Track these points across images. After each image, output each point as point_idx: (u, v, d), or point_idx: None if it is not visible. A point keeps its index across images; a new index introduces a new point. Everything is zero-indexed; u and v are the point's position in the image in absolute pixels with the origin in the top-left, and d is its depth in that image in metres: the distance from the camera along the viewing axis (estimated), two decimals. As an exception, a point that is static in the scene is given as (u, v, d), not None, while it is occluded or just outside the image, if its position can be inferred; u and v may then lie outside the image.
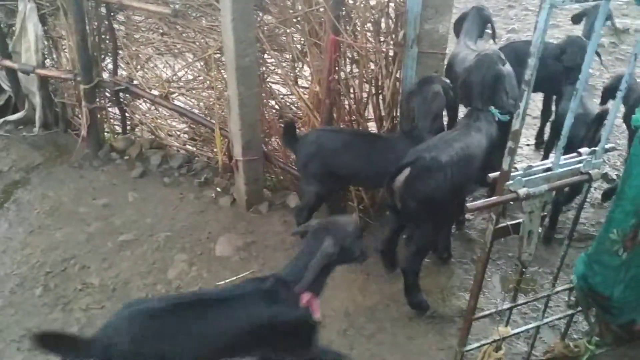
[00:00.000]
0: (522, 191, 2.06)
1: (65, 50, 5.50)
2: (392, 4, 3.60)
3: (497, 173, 2.09)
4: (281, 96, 4.55)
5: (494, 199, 2.08)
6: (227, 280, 3.74)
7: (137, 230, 4.31)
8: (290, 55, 4.18)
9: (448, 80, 3.54)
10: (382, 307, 3.48)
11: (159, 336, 2.29)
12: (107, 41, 5.07)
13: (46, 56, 5.64)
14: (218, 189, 4.76)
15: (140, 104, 5.39)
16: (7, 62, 5.68)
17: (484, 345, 2.59)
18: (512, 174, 2.07)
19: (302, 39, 4.08)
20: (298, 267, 2.46)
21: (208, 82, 4.67)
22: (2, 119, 6.07)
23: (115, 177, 5.04)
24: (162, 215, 4.49)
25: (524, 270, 2.42)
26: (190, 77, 4.96)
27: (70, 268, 3.96)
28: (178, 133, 5.35)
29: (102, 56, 5.20)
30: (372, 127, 4.16)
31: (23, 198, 4.80)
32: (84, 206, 4.65)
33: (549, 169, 2.17)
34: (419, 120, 3.36)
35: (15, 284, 3.83)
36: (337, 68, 3.75)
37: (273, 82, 4.54)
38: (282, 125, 4.06)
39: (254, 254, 4.01)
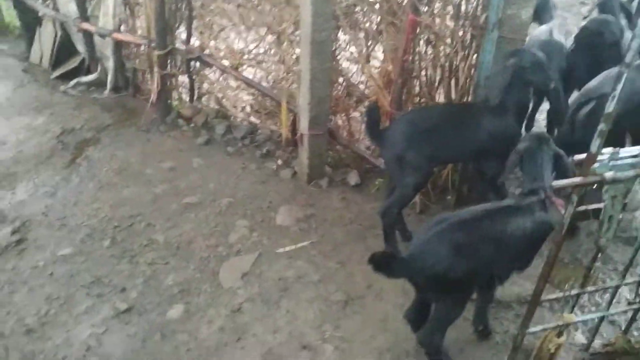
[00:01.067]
0: (609, 175, 2.05)
1: (141, 17, 5.67)
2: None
3: (583, 155, 2.08)
4: (350, 74, 4.57)
5: (578, 179, 2.08)
6: (287, 249, 3.82)
7: (200, 194, 4.44)
8: (364, 34, 4.20)
9: (542, 55, 3.36)
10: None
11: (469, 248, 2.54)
12: (183, 9, 5.19)
13: (122, 21, 5.82)
14: (279, 162, 4.85)
15: (209, 73, 5.51)
16: (85, 25, 5.90)
17: (546, 329, 2.59)
18: (598, 157, 2.06)
19: (378, 18, 4.09)
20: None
21: (279, 55, 4.74)
22: (76, 80, 6.32)
23: (181, 143, 5.19)
24: (224, 183, 4.60)
25: (599, 255, 2.40)
26: (262, 50, 5.04)
27: (137, 224, 4.12)
28: (243, 105, 5.46)
29: (177, 24, 5.34)
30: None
31: (93, 156, 5.00)
32: (151, 168, 4.81)
33: (636, 156, 2.15)
34: (490, 91, 3.35)
35: (85, 235, 4.01)
36: (412, 48, 3.75)
37: (344, 60, 4.57)
38: (366, 110, 3.77)
39: (313, 225, 4.08)
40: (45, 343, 3.16)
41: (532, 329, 2.52)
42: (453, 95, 3.93)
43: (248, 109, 5.48)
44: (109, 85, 6.10)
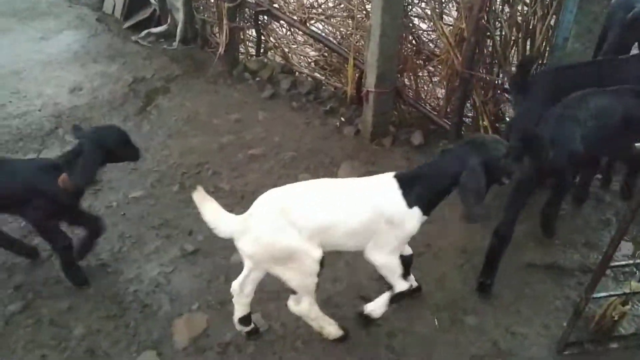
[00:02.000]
0: None
1: (211, -31, 5.73)
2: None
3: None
4: (421, 31, 4.49)
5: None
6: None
7: (265, 146, 4.53)
8: (439, -10, 4.11)
9: None
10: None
11: None
12: (255, -38, 5.21)
13: (193, -27, 5.90)
14: (342, 119, 4.86)
15: (277, 28, 5.53)
16: (158, -24, 6.02)
17: (612, 296, 2.55)
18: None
19: (454, -27, 3.99)
20: None
21: (348, 11, 4.70)
22: (147, 31, 6.49)
23: (247, 96, 5.28)
24: (288, 136, 4.67)
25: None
26: (331, 5, 5.00)
27: (204, 172, 4.26)
28: (309, 60, 5.47)
29: (247, -24, 5.37)
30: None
31: (163, 104, 5.16)
32: (218, 118, 4.93)
33: None
34: None
35: (155, 179, 4.19)
36: (488, 6, 3.65)
37: (414, 16, 4.49)
38: (519, 64, 3.44)
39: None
40: (118, 277, 3.35)
41: (596, 295, 2.49)
42: (527, 56, 3.80)
43: (313, 64, 5.48)
44: (178, 37, 6.23)
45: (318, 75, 5.36)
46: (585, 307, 2.52)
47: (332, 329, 2.77)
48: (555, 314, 3.01)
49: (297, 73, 5.48)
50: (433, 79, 4.60)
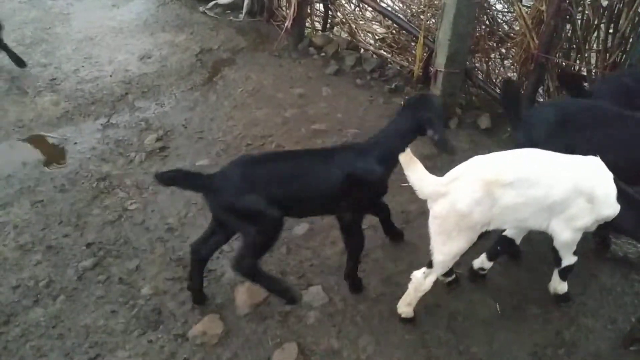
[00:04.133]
0: None
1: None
2: None
3: None
4: (496, 12, 4.37)
5: None
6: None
7: (328, 122, 4.53)
8: (518, -31, 3.97)
9: None
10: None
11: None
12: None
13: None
14: (407, 97, 4.79)
15: (345, 3, 5.49)
16: (227, -52, 6.04)
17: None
18: None
19: (535, -47, 3.84)
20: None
21: (421, -12, 4.62)
22: (214, 2, 6.55)
23: (311, 71, 5.28)
24: (352, 113, 4.65)
25: None
26: (403, -19, 4.93)
27: (268, 144, 4.31)
28: (376, 37, 5.41)
29: (319, -50, 5.33)
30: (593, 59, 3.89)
31: (229, 76, 5.23)
32: (282, 92, 4.96)
33: None
34: None
35: (220, 149, 4.27)
36: (572, -13, 3.51)
37: (491, -4, 4.37)
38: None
39: (438, 165, 4.03)
40: (184, 242, 3.44)
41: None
42: (609, 44, 3.64)
43: (380, 42, 5.42)
44: (244, 9, 6.27)
45: (384, 53, 5.30)
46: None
47: (411, 309, 2.80)
48: (624, 309, 2.93)
49: (362, 50, 5.44)
50: (505, 62, 4.47)
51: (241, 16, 6.31)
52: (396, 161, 2.54)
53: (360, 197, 2.83)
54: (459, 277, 3.06)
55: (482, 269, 3.01)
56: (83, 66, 5.31)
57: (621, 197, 2.45)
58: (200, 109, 4.74)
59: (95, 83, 5.05)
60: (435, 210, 2.50)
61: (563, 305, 2.92)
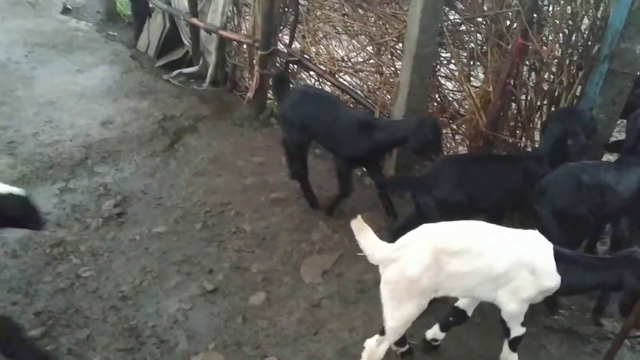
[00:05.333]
0: None
1: (247, 17, 5.96)
2: (586, 18, 3.57)
3: None
4: (447, 91, 4.63)
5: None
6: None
7: (287, 191, 4.61)
8: (467, 53, 4.25)
9: None
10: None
11: None
12: (290, 14, 5.41)
13: (229, 20, 6.12)
14: (364, 169, 4.95)
15: (306, 77, 5.71)
16: (195, 20, 6.26)
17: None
18: None
19: (482, 39, 4.14)
20: None
21: (377, 66, 4.86)
22: (178, 70, 6.72)
23: (272, 140, 5.40)
24: (311, 183, 4.74)
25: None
26: (360, 60, 5.18)
27: (227, 212, 4.34)
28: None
29: (281, 27, 5.58)
30: (537, 137, 4.13)
31: (190, 143, 5.30)
32: (242, 160, 5.05)
33: None
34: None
35: (179, 216, 4.27)
36: (515, 72, 3.78)
37: (442, 77, 4.63)
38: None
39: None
40: (138, 311, 3.40)
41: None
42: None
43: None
44: (208, 79, 6.44)
45: (343, 125, 5.48)
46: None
47: None
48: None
49: (322, 122, 5.61)
50: (456, 137, 4.70)
51: (204, 85, 6.47)
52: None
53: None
54: (412, 347, 3.10)
55: (434, 339, 3.07)
56: (43, 130, 5.30)
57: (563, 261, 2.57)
58: (160, 175, 4.77)
59: (55, 147, 5.03)
60: (387, 275, 2.57)
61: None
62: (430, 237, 2.53)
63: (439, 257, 2.47)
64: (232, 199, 4.48)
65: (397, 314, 2.60)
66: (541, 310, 3.41)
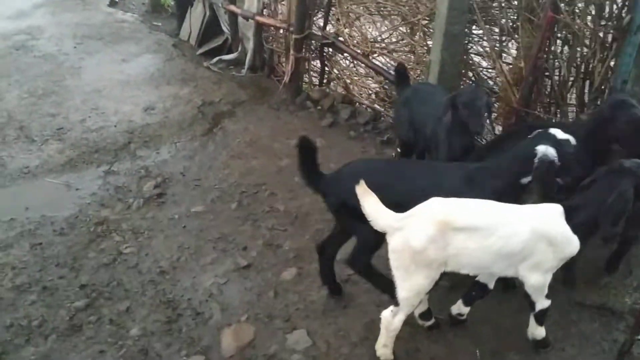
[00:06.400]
0: None
1: (283, 3, 6.03)
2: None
3: None
4: (480, 69, 4.59)
5: None
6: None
7: (321, 171, 4.68)
8: (499, 29, 4.20)
9: None
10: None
11: None
12: (324, -3, 5.47)
13: (265, 5, 6.22)
14: (399, 149, 4.97)
15: (341, 59, 5.75)
16: (232, 7, 6.40)
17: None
18: None
19: (514, 14, 4.08)
20: None
21: (410, 46, 4.86)
22: (218, 57, 6.87)
23: (307, 123, 5.49)
24: (344, 163, 4.80)
25: None
26: (394, 40, 5.18)
27: (261, 192, 4.46)
28: (369, 92, 5.64)
29: (316, 11, 5.63)
30: (572, 113, 4.06)
31: (228, 127, 5.45)
32: (278, 143, 5.16)
33: None
34: None
35: (215, 196, 4.42)
36: (547, 46, 3.71)
37: (474, 54, 4.59)
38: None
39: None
40: (175, 285, 3.55)
41: (642, 337, 2.47)
42: (586, 99, 3.82)
43: (373, 96, 5.65)
44: (247, 65, 6.57)
45: (377, 106, 5.52)
46: (630, 348, 2.50)
47: (389, 351, 2.87)
48: (602, 356, 2.97)
49: (357, 104, 5.66)
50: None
51: (243, 71, 6.60)
52: None
53: None
54: (440, 322, 3.13)
55: (460, 314, 3.09)
56: (90, 116, 5.56)
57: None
58: (199, 157, 4.93)
59: (100, 132, 5.28)
60: (392, 244, 2.61)
61: (542, 351, 2.97)
62: (436, 210, 2.54)
63: (444, 230, 2.48)
64: (267, 180, 4.60)
65: (406, 284, 2.62)
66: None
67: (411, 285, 2.62)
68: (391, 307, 2.77)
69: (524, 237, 2.52)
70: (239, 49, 6.78)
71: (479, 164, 3.02)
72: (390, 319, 2.76)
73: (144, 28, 8.12)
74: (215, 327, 3.25)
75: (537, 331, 2.89)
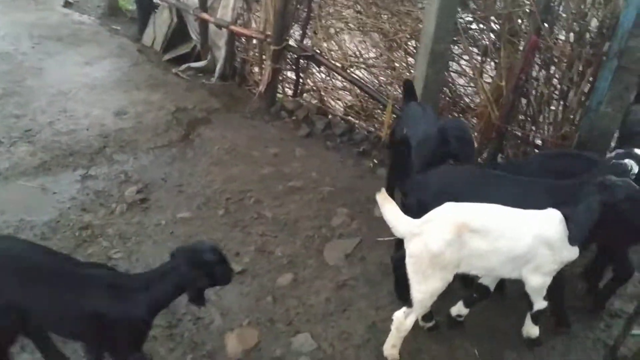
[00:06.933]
0: None
1: (257, 14, 6.10)
2: (595, 18, 3.80)
3: None
4: (458, 85, 4.84)
5: None
6: (386, 238, 4.08)
7: (303, 180, 4.77)
8: (481, 50, 4.47)
9: None
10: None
11: None
12: (303, 10, 5.58)
13: (238, 15, 6.27)
14: (375, 161, 5.14)
15: (317, 72, 5.88)
16: (205, 15, 6.39)
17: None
18: None
19: (495, 36, 4.35)
20: None
21: (390, 62, 5.06)
22: (187, 65, 6.84)
23: (283, 133, 5.57)
24: (325, 173, 4.92)
25: None
26: (372, 55, 5.37)
27: (247, 199, 4.48)
28: (344, 104, 5.79)
29: (293, 23, 5.74)
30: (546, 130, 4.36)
31: (205, 134, 5.43)
32: (257, 151, 5.20)
33: None
34: None
35: (201, 202, 4.40)
36: (529, 68, 3.99)
37: (453, 71, 4.84)
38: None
39: (409, 222, 4.34)
40: (170, 290, 3.52)
41: (635, 331, 2.72)
42: (559, 117, 4.13)
43: (348, 109, 5.81)
44: (217, 73, 6.57)
45: (351, 118, 5.68)
46: (622, 341, 2.74)
47: (397, 351, 2.98)
48: (587, 352, 3.22)
49: (330, 115, 5.79)
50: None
51: (213, 79, 6.60)
52: None
53: None
54: (439, 323, 3.28)
55: (459, 315, 3.25)
56: (58, 119, 5.38)
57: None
58: (179, 164, 4.89)
59: (72, 136, 5.12)
60: (411, 249, 2.74)
61: (536, 349, 3.18)
62: (453, 213, 2.70)
63: (461, 232, 2.64)
64: (251, 187, 4.62)
65: (422, 287, 2.76)
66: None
67: (427, 287, 2.76)
68: (404, 309, 2.89)
69: (528, 241, 2.71)
70: (208, 57, 6.78)
71: (567, 182, 3.01)
72: (403, 320, 2.88)
73: (103, 31, 7.95)
74: (217, 332, 3.25)
75: (532, 330, 3.09)
